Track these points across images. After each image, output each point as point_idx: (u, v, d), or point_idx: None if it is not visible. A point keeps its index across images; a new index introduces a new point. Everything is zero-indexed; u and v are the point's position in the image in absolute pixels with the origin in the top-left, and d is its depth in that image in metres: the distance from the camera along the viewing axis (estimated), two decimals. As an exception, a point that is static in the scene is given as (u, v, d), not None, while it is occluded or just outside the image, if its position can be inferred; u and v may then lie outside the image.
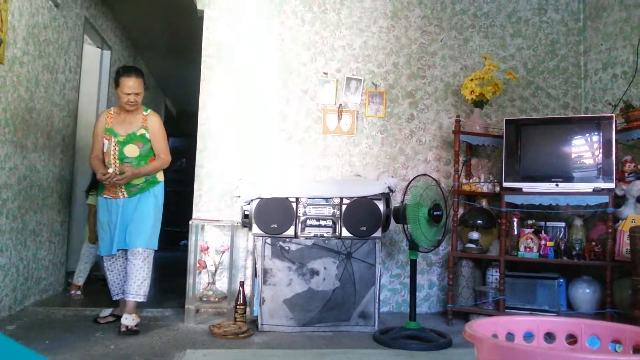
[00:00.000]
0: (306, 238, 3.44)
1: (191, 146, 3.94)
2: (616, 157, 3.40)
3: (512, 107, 4.32)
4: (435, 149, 4.21)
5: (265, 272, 3.37)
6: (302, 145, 4.05)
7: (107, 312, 3.38)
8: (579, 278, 3.64)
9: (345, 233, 3.46)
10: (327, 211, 3.49)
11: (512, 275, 3.62)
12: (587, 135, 3.53)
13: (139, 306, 3.30)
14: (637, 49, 3.81)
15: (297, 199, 3.46)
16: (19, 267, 3.42)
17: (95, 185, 3.76)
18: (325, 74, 4.11)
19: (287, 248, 3.41)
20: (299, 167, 4.03)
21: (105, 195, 3.31)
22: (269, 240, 3.41)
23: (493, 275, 3.71)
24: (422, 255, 4.03)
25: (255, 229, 3.42)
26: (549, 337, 1.60)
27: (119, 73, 3.25)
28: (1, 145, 3.14)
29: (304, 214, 3.47)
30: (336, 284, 3.41)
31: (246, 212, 3.47)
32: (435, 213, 3.21)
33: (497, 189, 3.82)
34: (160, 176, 3.37)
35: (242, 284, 3.46)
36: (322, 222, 3.48)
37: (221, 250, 3.76)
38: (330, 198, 3.49)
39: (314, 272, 3.40)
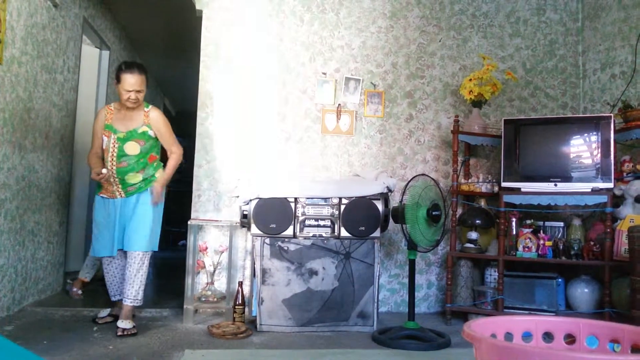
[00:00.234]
0: (305, 238, 3.44)
1: (190, 146, 3.93)
2: (614, 157, 3.40)
3: (510, 107, 4.32)
4: (434, 149, 4.21)
5: (264, 272, 3.37)
6: (301, 145, 4.05)
7: (105, 312, 3.37)
8: (578, 278, 3.64)
9: (344, 233, 3.45)
10: (326, 211, 3.48)
11: (510, 275, 3.62)
12: (586, 135, 3.54)
13: (138, 306, 3.29)
14: (636, 49, 3.81)
15: (295, 199, 3.46)
16: (17, 268, 3.42)
17: None
18: (324, 74, 4.11)
19: (285, 248, 3.40)
20: (298, 167, 4.03)
21: (102, 195, 3.27)
22: (267, 240, 3.41)
23: (492, 275, 3.71)
24: (420, 255, 4.04)
25: (254, 229, 3.42)
26: (548, 336, 1.61)
27: (121, 68, 3.13)
28: (-1, 146, 3.13)
29: (303, 214, 3.46)
30: (335, 284, 3.41)
31: (245, 212, 3.47)
32: (433, 213, 3.21)
33: (496, 188, 3.82)
34: (159, 174, 3.31)
35: (240, 284, 3.45)
36: (321, 222, 3.47)
37: (220, 250, 3.76)
38: (329, 198, 3.49)
39: (313, 272, 3.40)
